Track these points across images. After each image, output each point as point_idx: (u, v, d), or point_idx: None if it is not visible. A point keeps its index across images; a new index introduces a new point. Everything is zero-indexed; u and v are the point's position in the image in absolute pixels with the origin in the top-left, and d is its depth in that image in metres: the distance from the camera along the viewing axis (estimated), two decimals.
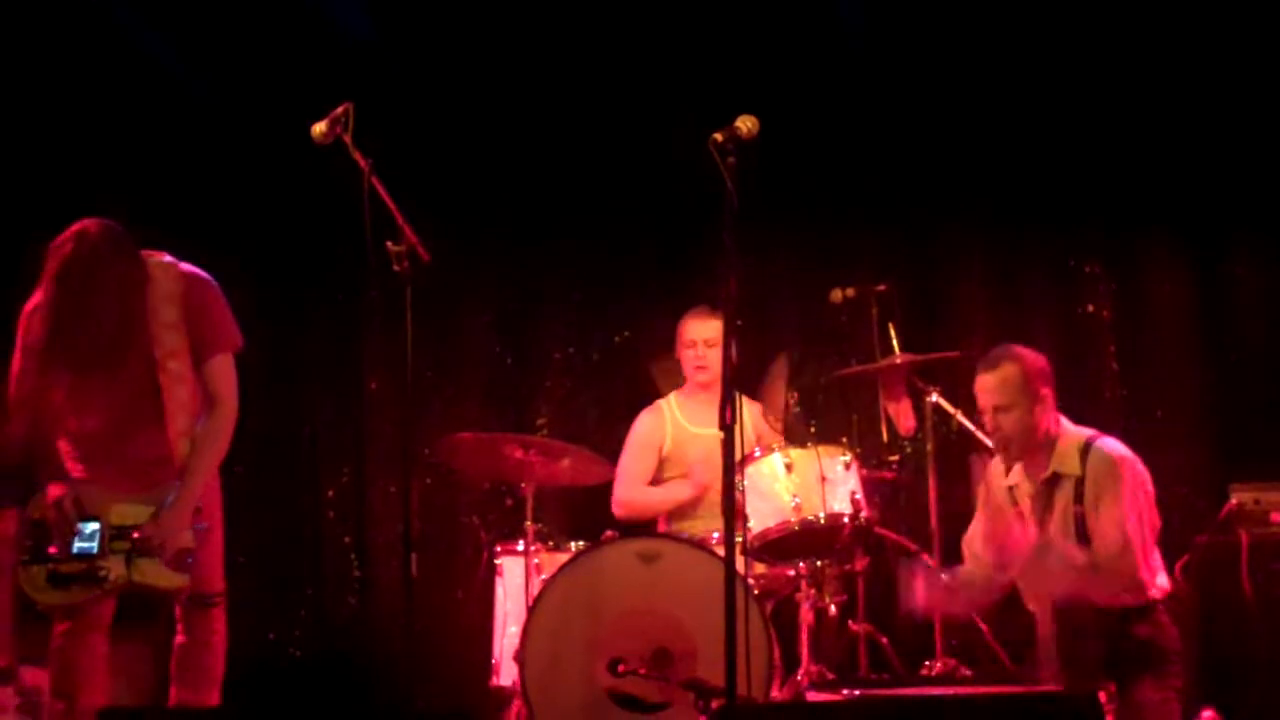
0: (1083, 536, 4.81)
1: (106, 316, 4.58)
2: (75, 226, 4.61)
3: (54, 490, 4.58)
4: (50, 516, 4.55)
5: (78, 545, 4.52)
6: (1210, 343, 6.61)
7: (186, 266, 4.77)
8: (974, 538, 5.16)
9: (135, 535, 4.56)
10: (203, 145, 6.69)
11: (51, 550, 4.53)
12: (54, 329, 4.55)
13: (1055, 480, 4.92)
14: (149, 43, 6.49)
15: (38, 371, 4.59)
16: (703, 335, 6.07)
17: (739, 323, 4.12)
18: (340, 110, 4.61)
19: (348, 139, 4.58)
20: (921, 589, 5.04)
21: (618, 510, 6.13)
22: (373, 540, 6.73)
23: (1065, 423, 4.98)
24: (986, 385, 4.95)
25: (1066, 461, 4.89)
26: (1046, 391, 4.93)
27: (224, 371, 4.76)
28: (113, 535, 4.55)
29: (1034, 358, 4.96)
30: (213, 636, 4.84)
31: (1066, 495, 4.88)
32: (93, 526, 4.54)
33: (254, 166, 6.71)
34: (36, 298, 4.67)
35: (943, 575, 5.11)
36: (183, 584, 4.63)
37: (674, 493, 6.09)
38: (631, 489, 6.13)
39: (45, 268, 4.60)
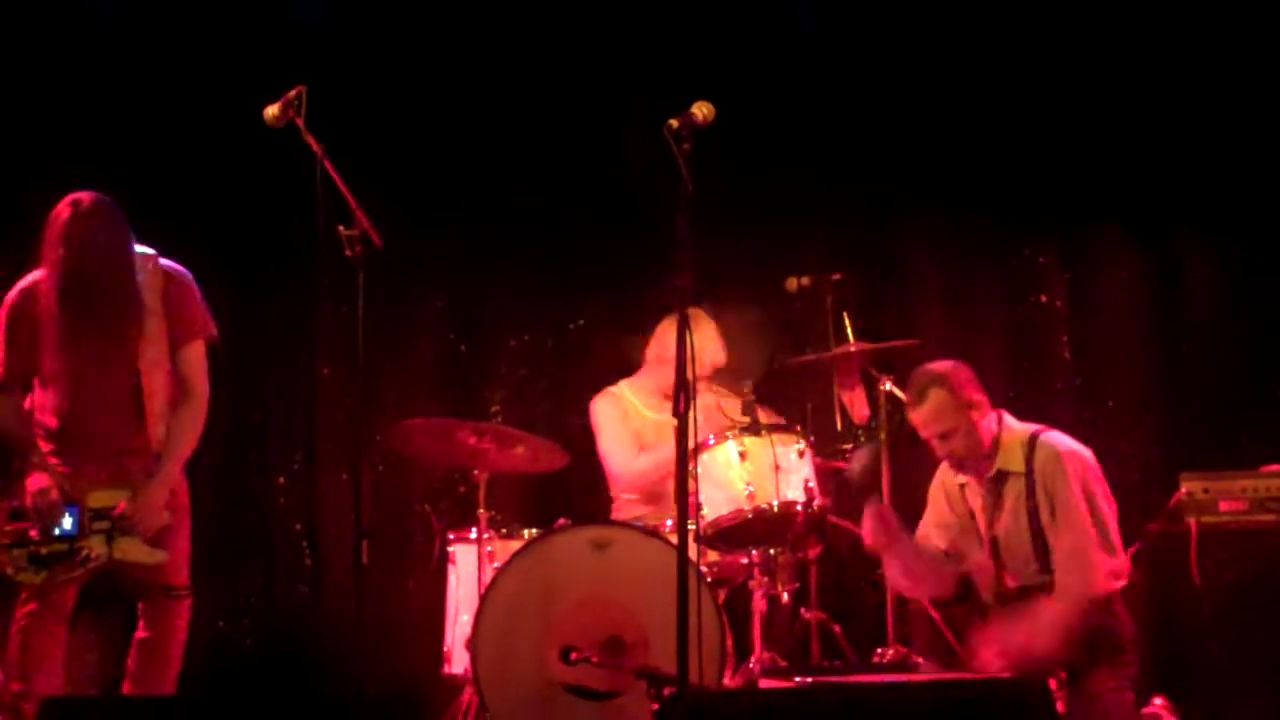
0: (1036, 530, 4.84)
1: (109, 277, 4.71)
2: (69, 197, 4.72)
3: (35, 480, 4.67)
4: (31, 505, 4.63)
5: (58, 530, 4.62)
6: (1161, 333, 6.66)
7: (166, 261, 4.87)
8: (928, 528, 5.18)
9: (115, 513, 4.65)
10: (153, 127, 6.61)
11: (32, 535, 4.62)
12: (65, 289, 4.67)
13: (1002, 478, 4.94)
14: (100, 22, 6.43)
15: (58, 334, 4.68)
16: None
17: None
18: (293, 93, 4.61)
19: (301, 122, 4.58)
20: (871, 524, 5.05)
21: (627, 477, 6.03)
22: (324, 528, 6.69)
23: (1008, 419, 5.00)
24: (923, 418, 4.95)
25: (1011, 458, 4.92)
26: (979, 397, 4.95)
27: (198, 360, 4.89)
28: (92, 516, 4.65)
29: (953, 370, 4.97)
30: (175, 632, 4.88)
31: (1017, 492, 4.91)
32: (72, 511, 4.63)
33: (206, 149, 6.63)
34: (27, 280, 4.76)
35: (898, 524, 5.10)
36: (163, 559, 4.73)
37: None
38: (633, 457, 6.04)
39: (44, 237, 4.71)
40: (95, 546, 4.63)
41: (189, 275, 4.91)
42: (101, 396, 4.74)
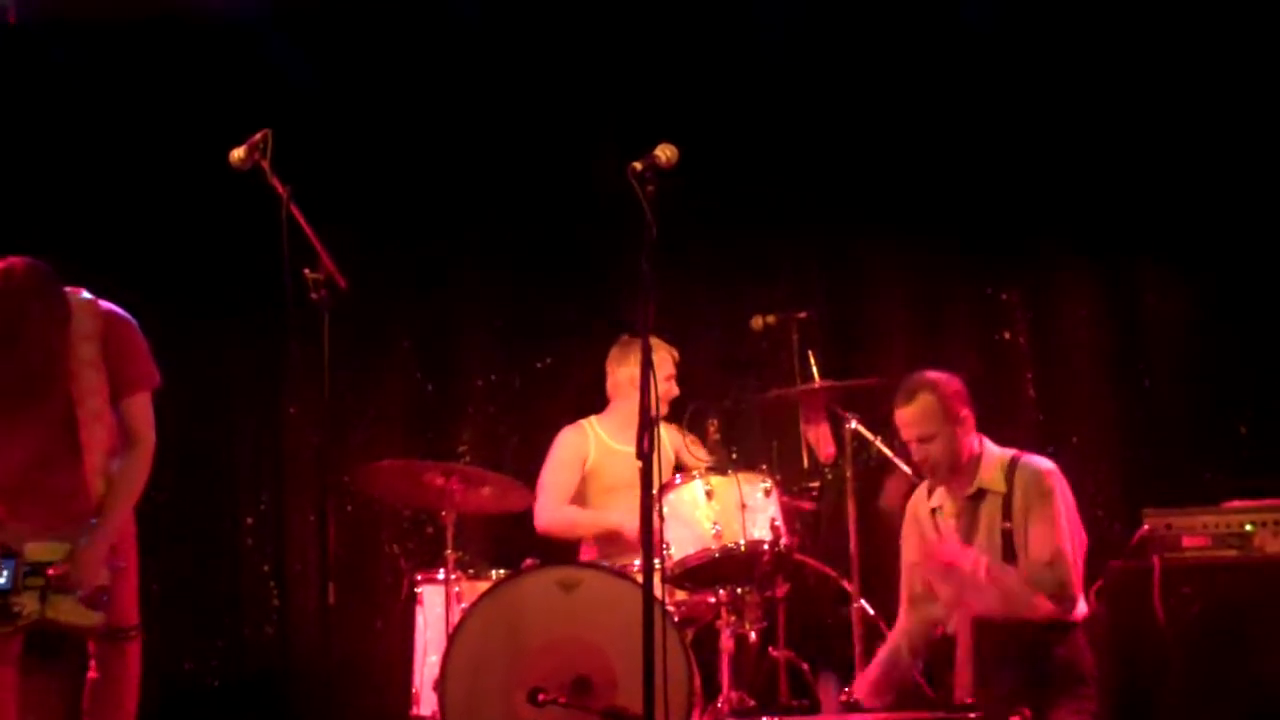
0: (1009, 554, 4.87)
1: (32, 352, 4.58)
2: (0, 265, 4.59)
3: None
4: None
5: None
6: (1124, 369, 6.69)
7: (106, 304, 4.76)
8: (910, 580, 5.19)
9: (51, 572, 4.53)
10: (120, 170, 6.62)
11: None
12: None
13: (980, 496, 4.98)
14: (63, 62, 6.43)
15: None
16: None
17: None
18: (259, 136, 4.60)
19: (266, 165, 4.57)
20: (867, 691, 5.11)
21: (540, 523, 6.10)
22: (292, 568, 6.68)
23: (988, 443, 5.05)
24: (907, 418, 4.99)
25: (991, 478, 4.97)
26: (966, 412, 5.00)
27: (142, 410, 4.76)
28: (27, 571, 4.52)
29: (948, 381, 5.02)
30: (126, 671, 4.79)
31: (993, 512, 4.94)
32: (6, 564, 4.51)
33: (171, 192, 6.64)
34: None
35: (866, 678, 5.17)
36: (98, 622, 4.60)
37: (602, 518, 6.06)
38: (556, 506, 6.11)
39: None
40: (28, 603, 4.49)
41: (131, 320, 4.79)
42: (36, 452, 4.65)
